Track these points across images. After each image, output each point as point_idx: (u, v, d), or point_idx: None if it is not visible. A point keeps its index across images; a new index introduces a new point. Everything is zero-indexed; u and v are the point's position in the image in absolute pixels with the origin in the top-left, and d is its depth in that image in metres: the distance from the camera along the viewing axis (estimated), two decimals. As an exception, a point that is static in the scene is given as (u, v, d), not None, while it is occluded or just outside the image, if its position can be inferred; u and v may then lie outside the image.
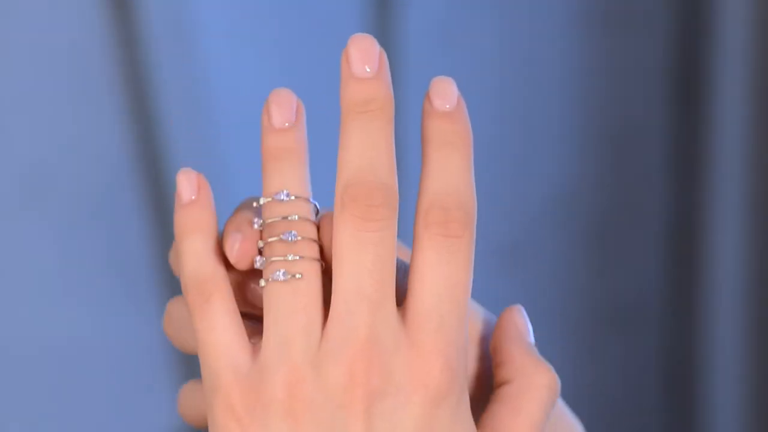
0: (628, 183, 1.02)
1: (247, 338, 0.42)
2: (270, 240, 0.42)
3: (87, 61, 0.86)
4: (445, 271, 0.42)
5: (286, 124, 0.44)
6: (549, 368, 0.44)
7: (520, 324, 0.46)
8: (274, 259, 0.42)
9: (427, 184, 0.43)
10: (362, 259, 0.41)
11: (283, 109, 0.44)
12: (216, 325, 0.42)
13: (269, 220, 0.43)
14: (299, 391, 0.40)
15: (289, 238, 0.42)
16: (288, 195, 0.43)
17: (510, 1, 0.95)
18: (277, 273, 0.42)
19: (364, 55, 0.43)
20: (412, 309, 0.41)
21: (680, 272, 1.03)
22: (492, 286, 0.98)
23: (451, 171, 0.43)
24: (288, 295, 0.41)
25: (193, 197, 0.44)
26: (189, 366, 0.93)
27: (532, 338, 0.46)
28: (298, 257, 0.42)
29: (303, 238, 0.42)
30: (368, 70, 0.43)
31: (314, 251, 0.42)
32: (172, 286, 0.91)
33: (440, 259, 0.42)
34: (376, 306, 0.41)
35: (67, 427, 0.92)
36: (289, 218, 0.42)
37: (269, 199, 0.43)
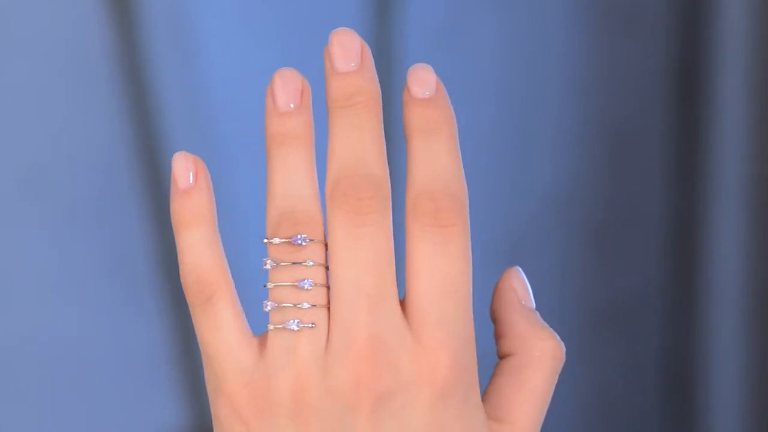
0: (628, 183, 1.02)
1: (251, 336, 0.41)
2: (280, 284, 0.41)
3: (86, 60, 0.86)
4: (440, 262, 0.40)
5: (291, 106, 0.42)
6: (553, 335, 0.43)
7: (520, 289, 0.44)
8: (286, 305, 0.40)
9: (413, 173, 0.41)
10: (358, 256, 0.40)
11: (288, 90, 0.42)
12: (220, 325, 0.41)
13: (282, 263, 0.41)
14: (306, 395, 0.40)
15: (305, 286, 0.40)
16: (305, 239, 0.41)
17: (509, 2, 0.95)
18: (291, 322, 0.40)
19: (345, 51, 0.42)
20: (411, 304, 0.40)
21: (680, 272, 1.03)
22: (491, 286, 0.98)
23: (436, 157, 0.41)
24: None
25: (191, 182, 0.42)
26: (189, 366, 0.93)
27: (533, 302, 0.44)
28: (310, 305, 0.40)
29: (317, 284, 0.41)
30: (352, 65, 0.42)
31: (326, 298, 0.41)
32: (171, 285, 0.91)
33: (435, 250, 0.40)
34: (377, 302, 0.40)
35: (67, 427, 0.92)
36: (304, 264, 0.41)
37: (285, 241, 0.41)
